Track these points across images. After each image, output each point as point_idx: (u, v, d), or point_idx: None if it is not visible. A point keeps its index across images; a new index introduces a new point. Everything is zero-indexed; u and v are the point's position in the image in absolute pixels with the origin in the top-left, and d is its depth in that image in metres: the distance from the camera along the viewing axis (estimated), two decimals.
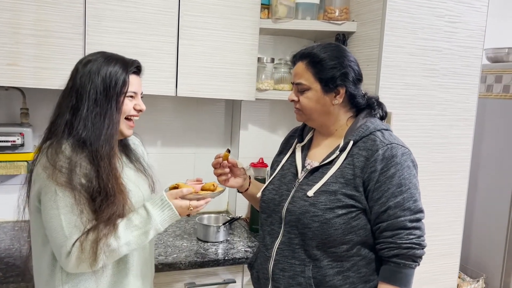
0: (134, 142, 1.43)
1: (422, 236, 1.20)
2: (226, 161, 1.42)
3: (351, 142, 1.25)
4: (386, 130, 1.30)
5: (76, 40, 1.73)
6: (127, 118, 1.25)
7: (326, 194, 1.22)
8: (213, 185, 1.30)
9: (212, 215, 2.10)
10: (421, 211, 1.22)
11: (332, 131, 1.33)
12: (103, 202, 1.11)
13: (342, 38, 2.03)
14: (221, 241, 1.95)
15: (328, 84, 1.25)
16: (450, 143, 1.99)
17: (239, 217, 2.02)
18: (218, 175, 1.45)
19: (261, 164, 2.24)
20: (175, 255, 1.76)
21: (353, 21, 2.01)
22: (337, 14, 2.00)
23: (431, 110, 1.92)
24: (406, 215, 1.18)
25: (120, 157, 1.26)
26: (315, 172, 1.29)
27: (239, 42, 1.97)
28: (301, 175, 1.32)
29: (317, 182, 1.25)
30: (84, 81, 1.17)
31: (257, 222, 2.12)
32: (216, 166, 1.44)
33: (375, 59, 1.85)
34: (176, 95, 1.90)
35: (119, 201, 1.13)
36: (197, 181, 1.33)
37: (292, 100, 1.32)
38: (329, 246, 1.21)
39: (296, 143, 1.43)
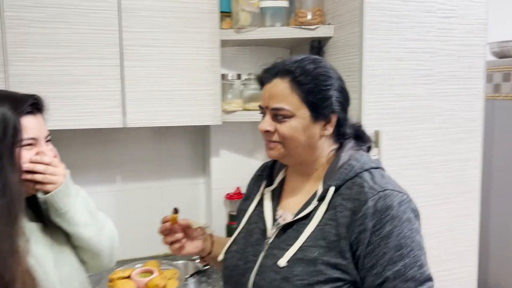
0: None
1: None
2: (176, 225, 1.11)
3: (332, 189, 0.95)
4: (377, 168, 1.00)
5: None
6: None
7: (303, 264, 0.92)
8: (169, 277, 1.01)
9: (180, 261, 1.80)
10: (429, 279, 0.92)
11: (311, 170, 1.03)
12: None
13: (318, 45, 1.73)
14: None
15: (319, 110, 0.97)
16: (455, 160, 1.67)
17: (205, 268, 1.72)
18: (170, 244, 1.12)
19: (237, 195, 1.94)
20: None
21: (329, 24, 1.70)
22: (309, 17, 1.69)
23: (429, 123, 1.61)
24: (410, 287, 0.89)
25: (26, 229, 0.93)
26: (289, 229, 0.98)
27: (197, 58, 1.68)
28: (271, 232, 1.02)
29: (291, 245, 0.95)
30: None
31: None
32: (165, 232, 1.11)
33: (355, 69, 1.54)
34: (125, 126, 1.62)
35: None
36: (144, 272, 1.01)
37: (267, 131, 0.99)
38: None
39: (265, 187, 1.12)
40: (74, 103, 1.54)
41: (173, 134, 2.03)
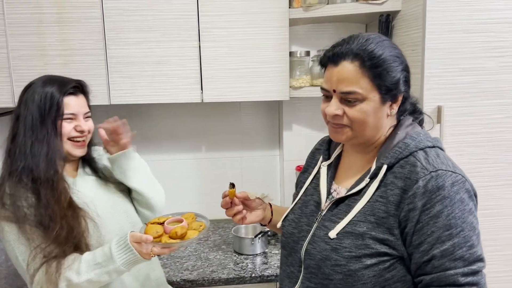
0: (100, 153, 1.37)
1: None
2: (235, 198, 1.20)
3: (385, 167, 0.97)
4: (433, 147, 0.98)
5: (98, 55, 1.75)
6: (71, 140, 1.21)
7: (352, 237, 0.96)
8: (191, 228, 1.18)
9: (251, 225, 1.98)
10: (479, 259, 0.90)
11: (369, 148, 1.04)
12: (48, 228, 1.09)
13: (386, 19, 1.73)
14: (257, 254, 1.83)
15: (389, 92, 0.96)
16: None
17: (268, 231, 1.87)
18: (233, 216, 1.21)
19: None
20: (201, 270, 1.70)
21: None
22: None
23: (499, 99, 1.53)
24: (458, 266, 0.88)
25: (69, 180, 1.21)
26: (341, 203, 1.02)
27: (266, 37, 1.80)
28: (324, 205, 1.06)
29: (341, 219, 0.99)
30: (22, 107, 1.17)
31: None
32: (226, 206, 1.21)
33: (419, 43, 1.52)
34: (202, 101, 1.82)
35: (62, 226, 1.09)
36: (177, 221, 1.20)
37: (335, 115, 0.98)
38: None
39: (322, 161, 1.15)
40: (158, 80, 1.78)
41: (252, 109, 2.19)
